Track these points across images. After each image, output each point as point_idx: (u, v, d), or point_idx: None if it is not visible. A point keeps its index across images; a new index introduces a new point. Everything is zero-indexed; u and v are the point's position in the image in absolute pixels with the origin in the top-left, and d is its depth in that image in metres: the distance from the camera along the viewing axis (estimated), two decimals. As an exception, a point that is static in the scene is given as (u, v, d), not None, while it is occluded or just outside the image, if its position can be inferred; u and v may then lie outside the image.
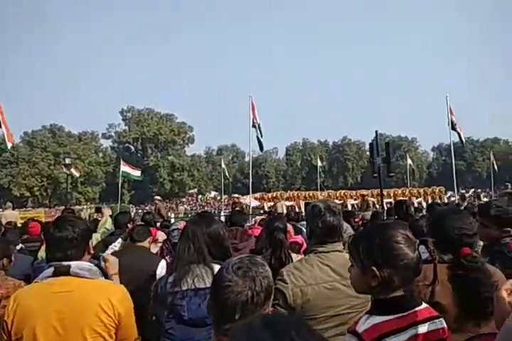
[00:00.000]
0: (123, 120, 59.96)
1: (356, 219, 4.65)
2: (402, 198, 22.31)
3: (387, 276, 1.16)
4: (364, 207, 8.49)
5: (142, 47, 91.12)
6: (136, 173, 24.37)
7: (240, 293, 1.06)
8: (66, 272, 1.63)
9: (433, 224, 1.87)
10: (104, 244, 3.87)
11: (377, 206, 15.44)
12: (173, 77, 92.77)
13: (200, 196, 52.16)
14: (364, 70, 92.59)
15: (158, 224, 5.37)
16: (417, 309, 1.20)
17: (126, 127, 59.48)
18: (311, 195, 27.41)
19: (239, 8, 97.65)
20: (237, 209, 8.03)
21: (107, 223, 4.27)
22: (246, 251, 3.36)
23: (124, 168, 22.54)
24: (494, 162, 34.04)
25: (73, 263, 1.66)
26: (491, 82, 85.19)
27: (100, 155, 58.23)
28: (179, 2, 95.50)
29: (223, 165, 33.32)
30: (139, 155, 60.70)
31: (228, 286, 1.07)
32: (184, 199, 50.92)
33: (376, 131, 12.11)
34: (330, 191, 32.92)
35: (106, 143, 60.53)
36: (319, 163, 37.59)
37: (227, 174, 34.26)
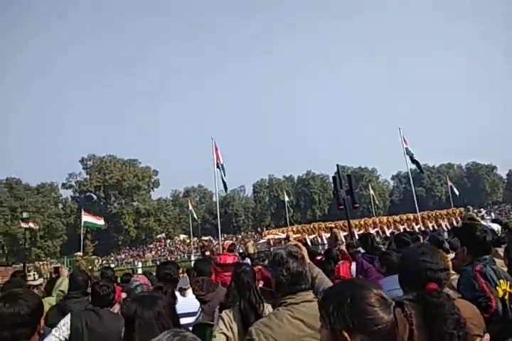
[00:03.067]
0: (84, 168, 58.43)
1: (318, 258, 4.58)
2: (370, 229, 22.72)
3: None
4: (333, 241, 8.44)
5: (96, 93, 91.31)
6: (99, 222, 23.44)
7: None
8: None
9: (403, 261, 1.86)
10: (60, 310, 3.50)
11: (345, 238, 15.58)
12: (133, 123, 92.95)
13: (168, 240, 50.42)
14: (320, 105, 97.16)
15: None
16: None
17: (88, 176, 57.82)
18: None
19: (192, 51, 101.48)
20: (202, 257, 7.74)
21: (63, 284, 3.92)
22: (215, 303, 3.18)
23: (86, 217, 21.61)
24: (452, 185, 35.80)
25: None
26: (442, 110, 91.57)
27: (60, 206, 55.67)
28: (130, 41, 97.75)
29: (190, 207, 32.71)
30: (101, 203, 58.62)
31: None
32: (152, 246, 48.98)
33: (337, 165, 12.51)
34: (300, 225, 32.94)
35: (66, 194, 58.28)
36: (286, 198, 37.88)
37: (195, 216, 33.63)
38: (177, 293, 3.00)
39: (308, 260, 2.30)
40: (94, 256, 35.95)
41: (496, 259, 2.51)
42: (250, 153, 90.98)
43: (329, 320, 1.09)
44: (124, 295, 3.97)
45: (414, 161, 17.91)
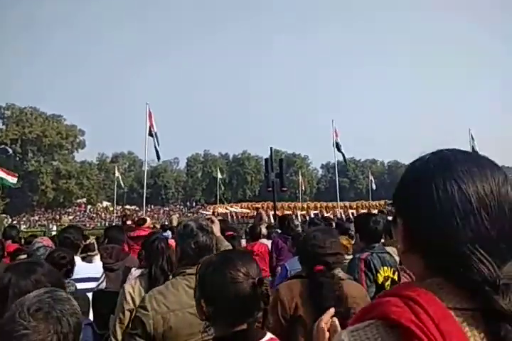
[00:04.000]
0: (0, 118, 52.57)
1: (229, 233, 4.72)
2: (298, 211, 23.90)
3: (214, 313, 1.12)
4: (257, 220, 8.80)
5: (29, 41, 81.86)
6: (13, 179, 21.51)
7: None
8: None
9: (299, 243, 2.06)
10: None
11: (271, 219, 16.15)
12: (64, 76, 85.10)
13: (89, 206, 48.03)
14: (266, 84, 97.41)
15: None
16: None
17: (4, 126, 52.22)
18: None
19: (136, 16, 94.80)
20: (115, 224, 7.54)
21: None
22: (124, 272, 3.12)
23: (-2, 172, 19.73)
24: (373, 180, 38.75)
25: None
26: (375, 108, 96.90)
27: (-32, 156, 49.92)
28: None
29: (117, 174, 31.37)
30: (17, 158, 53.56)
31: (24, 336, 0.88)
32: (70, 210, 46.34)
33: (271, 148, 12.75)
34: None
35: (-24, 144, 52.25)
36: (219, 175, 37.94)
37: (121, 183, 32.32)
38: (77, 258, 2.87)
39: (218, 233, 2.35)
40: (4, 215, 33.12)
41: (389, 247, 2.78)
42: (188, 125, 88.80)
43: (196, 288, 1.19)
44: (24, 257, 3.72)
45: (340, 152, 18.92)
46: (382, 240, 2.79)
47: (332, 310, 1.01)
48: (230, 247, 2.36)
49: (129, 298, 2.11)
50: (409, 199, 0.62)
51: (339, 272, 1.92)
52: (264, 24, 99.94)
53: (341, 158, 20.40)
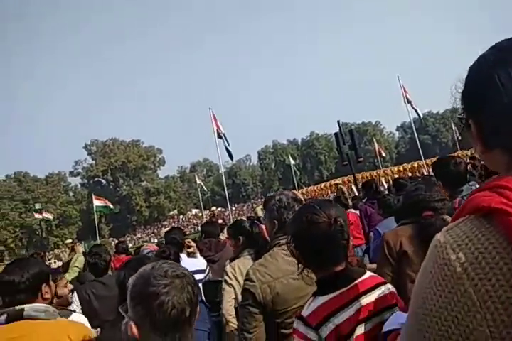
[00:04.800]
0: (88, 154, 58.72)
1: None
2: (383, 179, 22.98)
3: (303, 256, 1.20)
4: (341, 194, 8.68)
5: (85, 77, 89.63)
6: (110, 205, 23.87)
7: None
8: (19, 316, 1.56)
9: (403, 197, 2.16)
10: (79, 282, 3.69)
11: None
12: (129, 104, 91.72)
13: (181, 216, 51.41)
14: (317, 62, 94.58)
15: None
16: (359, 280, 1.16)
17: (93, 161, 58.19)
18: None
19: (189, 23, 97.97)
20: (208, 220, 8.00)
21: (77, 261, 4.05)
22: (223, 261, 3.28)
23: (97, 202, 21.99)
24: (457, 130, 35.54)
25: (27, 306, 1.59)
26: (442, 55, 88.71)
27: (71, 193, 56.57)
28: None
29: (198, 181, 32.97)
30: (111, 187, 59.40)
31: (168, 291, 0.98)
32: (166, 223, 50.04)
33: (338, 121, 12.32)
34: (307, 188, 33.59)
35: (75, 181, 59.08)
36: (292, 162, 37.91)
37: (204, 189, 33.99)
38: (183, 255, 3.11)
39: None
40: (111, 239, 36.97)
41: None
42: (252, 120, 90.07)
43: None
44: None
45: (413, 108, 17.62)
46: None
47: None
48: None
49: (231, 275, 2.29)
50: (475, 96, 0.60)
51: (447, 218, 1.83)
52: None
53: (416, 115, 19.02)
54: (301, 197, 2.16)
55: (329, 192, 25.14)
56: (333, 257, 1.17)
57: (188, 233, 32.40)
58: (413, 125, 22.13)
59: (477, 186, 2.31)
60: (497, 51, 0.59)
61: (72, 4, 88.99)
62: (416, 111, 17.91)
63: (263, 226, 2.86)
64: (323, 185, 29.62)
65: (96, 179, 59.37)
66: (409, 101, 17.50)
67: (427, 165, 19.77)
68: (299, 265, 1.22)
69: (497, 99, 0.55)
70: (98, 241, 20.74)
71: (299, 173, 50.04)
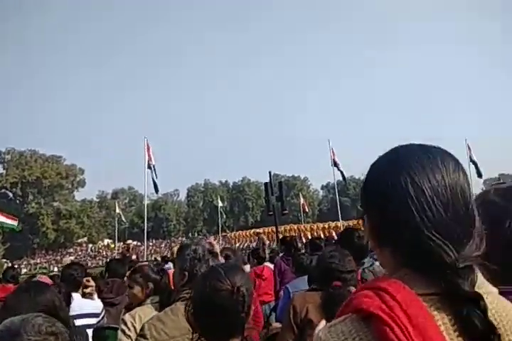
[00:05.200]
0: (0, 163, 53.00)
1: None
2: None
3: (201, 327, 1.18)
4: (259, 244, 8.74)
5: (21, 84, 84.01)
6: (13, 222, 21.36)
7: None
8: None
9: (317, 260, 2.20)
10: None
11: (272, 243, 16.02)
12: (61, 117, 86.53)
13: (90, 245, 47.39)
14: (259, 113, 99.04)
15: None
16: None
17: (4, 171, 52.54)
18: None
19: (132, 50, 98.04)
20: (117, 258, 7.47)
21: None
22: (123, 306, 3.06)
23: (-2, 216, 19.63)
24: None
25: None
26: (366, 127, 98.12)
27: (-33, 203, 49.80)
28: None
29: (118, 210, 31.21)
30: (17, 201, 53.51)
31: None
32: (71, 250, 45.65)
33: (269, 172, 12.81)
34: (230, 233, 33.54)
35: (-25, 190, 52.30)
36: (220, 204, 37.75)
37: (123, 219, 32.10)
38: (76, 295, 2.84)
39: (220, 257, 2.35)
40: (4, 260, 32.56)
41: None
42: (187, 156, 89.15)
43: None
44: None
45: (339, 170, 18.94)
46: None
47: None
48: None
49: (130, 325, 2.08)
50: (368, 197, 0.66)
51: (353, 289, 1.95)
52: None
53: (341, 178, 20.45)
54: (218, 250, 2.16)
55: (252, 241, 25.28)
56: (230, 329, 1.16)
57: (94, 265, 29.72)
58: (336, 186, 23.66)
59: (370, 262, 2.54)
60: (393, 155, 0.65)
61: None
62: (342, 174, 19.27)
63: (171, 273, 2.76)
64: (247, 232, 29.93)
65: (3, 190, 53.27)
66: (335, 164, 18.86)
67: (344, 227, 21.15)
68: (194, 334, 1.19)
69: (386, 203, 0.60)
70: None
71: (225, 216, 49.82)
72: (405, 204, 0.59)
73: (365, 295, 0.57)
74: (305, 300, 1.98)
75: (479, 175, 20.37)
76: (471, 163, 19.31)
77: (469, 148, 19.70)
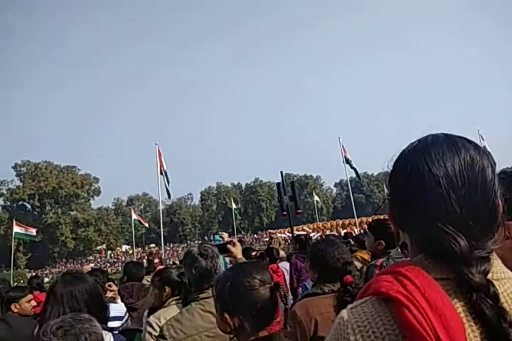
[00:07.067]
0: (17, 175, 54.16)
1: (253, 253, 4.70)
2: (314, 233, 23.54)
3: (238, 324, 1.15)
4: (271, 243, 8.79)
5: (32, 94, 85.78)
6: (32, 233, 21.76)
7: None
8: None
9: (314, 258, 1.93)
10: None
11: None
12: (72, 128, 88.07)
13: (109, 252, 48.06)
14: (268, 115, 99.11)
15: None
16: None
17: (21, 183, 53.66)
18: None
19: (140, 54, 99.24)
20: (133, 260, 7.58)
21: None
22: (144, 310, 3.08)
23: (17, 228, 19.99)
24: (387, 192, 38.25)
25: None
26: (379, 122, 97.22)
27: (-12, 216, 51.01)
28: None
29: (134, 216, 31.57)
30: (35, 212, 54.63)
31: None
32: (91, 258, 46.41)
33: (281, 172, 12.79)
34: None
35: (-5, 203, 53.52)
36: (234, 206, 37.87)
37: (145, 224, 32.46)
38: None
39: (240, 255, 2.33)
40: (27, 270, 33.30)
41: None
42: (199, 160, 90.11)
43: (215, 303, 1.18)
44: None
45: (352, 168, 18.81)
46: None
47: None
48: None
49: (156, 326, 2.10)
50: (391, 183, 0.69)
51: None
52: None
53: (354, 175, 20.29)
54: (235, 250, 2.18)
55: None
56: (267, 321, 1.17)
57: (114, 271, 30.15)
58: (349, 183, 23.53)
59: (397, 253, 2.49)
60: (419, 144, 0.66)
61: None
62: (355, 171, 19.14)
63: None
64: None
65: (20, 202, 54.40)
66: (347, 161, 18.74)
67: (361, 222, 20.98)
68: (230, 336, 1.21)
69: (404, 191, 0.63)
70: (11, 272, 18.49)
71: (239, 218, 49.93)
72: (420, 194, 0.61)
73: (384, 280, 0.59)
74: (308, 313, 1.69)
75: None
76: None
77: (482, 138, 19.41)
